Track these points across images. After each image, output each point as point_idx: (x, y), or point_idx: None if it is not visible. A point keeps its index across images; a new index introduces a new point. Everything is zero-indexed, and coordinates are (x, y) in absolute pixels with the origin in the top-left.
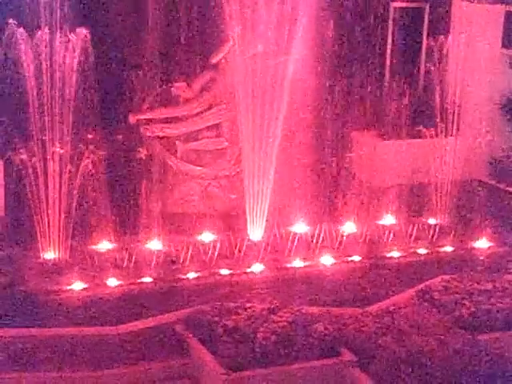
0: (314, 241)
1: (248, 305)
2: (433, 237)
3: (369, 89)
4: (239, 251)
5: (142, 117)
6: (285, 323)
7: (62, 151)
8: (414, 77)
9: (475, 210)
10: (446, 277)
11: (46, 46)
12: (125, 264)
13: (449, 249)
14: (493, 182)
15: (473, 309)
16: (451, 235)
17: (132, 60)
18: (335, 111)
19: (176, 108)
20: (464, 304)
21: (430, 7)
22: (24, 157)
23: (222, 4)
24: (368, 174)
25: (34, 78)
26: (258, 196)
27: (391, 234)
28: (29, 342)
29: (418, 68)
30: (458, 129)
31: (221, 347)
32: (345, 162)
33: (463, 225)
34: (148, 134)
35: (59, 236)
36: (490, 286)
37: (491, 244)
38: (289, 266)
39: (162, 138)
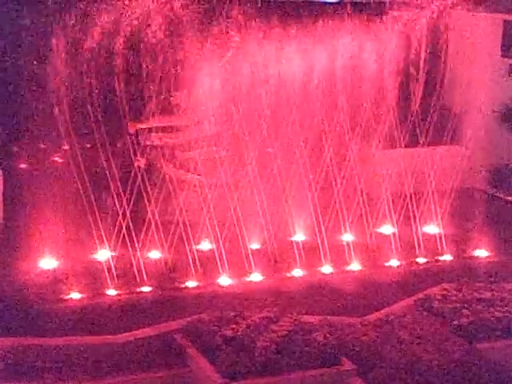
0: (314, 250)
1: (247, 314)
2: (432, 245)
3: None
4: (239, 260)
5: (142, 126)
6: (284, 332)
7: (60, 160)
8: (412, 86)
9: (474, 219)
10: (446, 285)
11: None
12: (123, 273)
13: (448, 257)
14: (492, 191)
15: (472, 318)
16: (450, 244)
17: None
18: (336, 121)
19: (175, 117)
20: (463, 313)
21: (430, 16)
22: (23, 165)
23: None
24: (367, 183)
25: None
26: (258, 205)
27: (390, 243)
28: (27, 351)
29: (417, 77)
30: (457, 137)
31: (220, 356)
32: (345, 171)
33: (462, 233)
34: (147, 142)
35: (58, 245)
36: (489, 295)
37: (490, 253)
38: (288, 274)
39: (161, 146)
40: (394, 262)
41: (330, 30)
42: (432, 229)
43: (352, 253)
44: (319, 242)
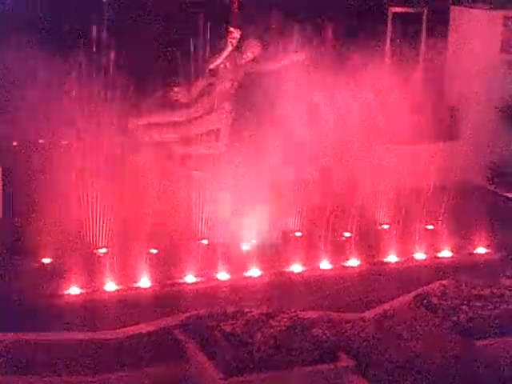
0: (312, 245)
1: (246, 309)
2: (431, 242)
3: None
4: (237, 255)
5: (141, 122)
6: (283, 328)
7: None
8: (412, 81)
9: (474, 215)
10: (444, 282)
11: None
12: (122, 268)
13: (447, 254)
14: (492, 187)
15: (470, 314)
16: (449, 240)
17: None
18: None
19: (174, 113)
20: (462, 309)
21: (429, 12)
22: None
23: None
24: (367, 178)
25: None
26: (257, 200)
27: (389, 239)
28: (26, 346)
29: (417, 72)
30: (457, 133)
31: (219, 352)
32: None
33: (462, 230)
34: (146, 138)
35: (56, 240)
36: (487, 292)
37: (489, 249)
38: (287, 270)
39: (160, 142)
40: (392, 258)
41: None
42: (431, 225)
43: (351, 248)
44: (318, 237)
